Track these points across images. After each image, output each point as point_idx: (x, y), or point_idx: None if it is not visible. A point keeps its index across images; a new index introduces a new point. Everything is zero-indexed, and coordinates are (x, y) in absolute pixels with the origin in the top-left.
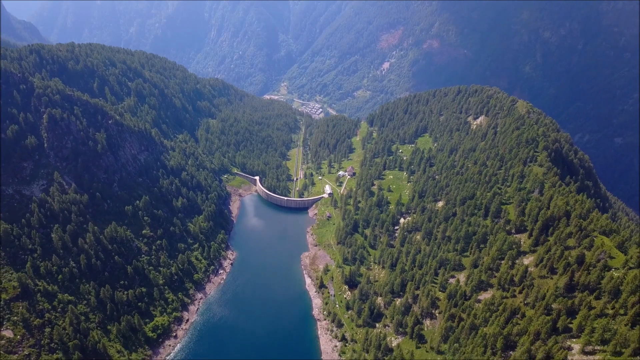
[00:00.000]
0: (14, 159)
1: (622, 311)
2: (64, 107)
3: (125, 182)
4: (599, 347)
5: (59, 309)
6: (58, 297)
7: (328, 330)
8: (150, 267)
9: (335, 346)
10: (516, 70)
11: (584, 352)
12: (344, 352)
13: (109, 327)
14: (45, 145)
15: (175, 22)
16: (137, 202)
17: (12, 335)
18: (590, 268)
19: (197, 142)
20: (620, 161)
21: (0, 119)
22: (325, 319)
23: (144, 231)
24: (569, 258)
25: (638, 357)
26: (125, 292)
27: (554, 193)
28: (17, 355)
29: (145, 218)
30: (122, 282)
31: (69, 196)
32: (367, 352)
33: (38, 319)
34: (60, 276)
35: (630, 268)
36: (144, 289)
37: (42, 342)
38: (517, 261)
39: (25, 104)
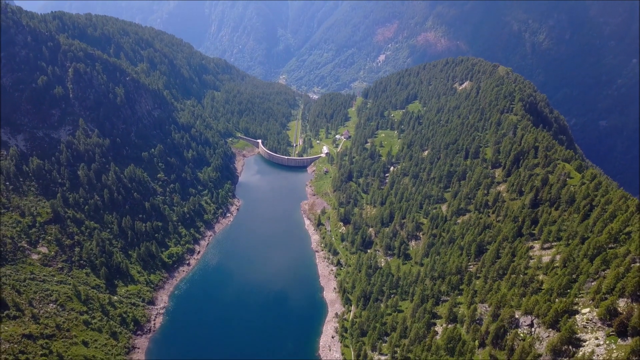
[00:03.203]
0: (44, 107)
1: (575, 215)
2: (86, 63)
3: (141, 133)
4: (555, 243)
5: (86, 234)
6: (85, 224)
7: (325, 258)
8: (165, 206)
9: (332, 270)
10: (506, 59)
11: (542, 248)
12: (338, 274)
13: (130, 252)
14: (71, 95)
15: (176, 18)
16: (153, 150)
17: (47, 252)
18: (552, 185)
19: (203, 109)
20: (605, 142)
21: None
22: (322, 250)
23: (158, 175)
24: (535, 181)
25: (584, 244)
26: (144, 224)
27: (525, 133)
28: (52, 267)
29: (160, 164)
30: (140, 215)
31: (92, 140)
32: (360, 271)
33: (69, 240)
34: (86, 207)
35: (583, 183)
36: (159, 223)
37: (73, 259)
38: (491, 189)
39: (53, 59)
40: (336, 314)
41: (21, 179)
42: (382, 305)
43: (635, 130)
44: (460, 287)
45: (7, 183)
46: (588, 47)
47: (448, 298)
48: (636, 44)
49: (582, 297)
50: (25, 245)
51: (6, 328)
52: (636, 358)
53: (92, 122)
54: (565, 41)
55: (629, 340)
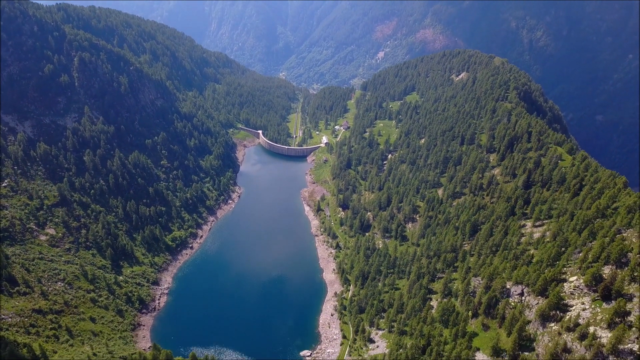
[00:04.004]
0: (50, 94)
1: (566, 195)
2: (91, 52)
3: (144, 121)
4: (546, 221)
5: (92, 217)
6: (91, 207)
7: (324, 242)
8: (168, 192)
9: (331, 252)
10: (504, 56)
11: (534, 226)
12: (337, 256)
13: (134, 235)
14: (76, 84)
15: (176, 16)
16: (156, 137)
17: (54, 233)
18: (544, 167)
19: (205, 100)
20: (601, 137)
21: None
22: (322, 234)
23: (162, 162)
24: (528, 163)
25: (572, 220)
26: (148, 209)
27: (519, 119)
28: (59, 248)
29: (163, 152)
30: (144, 200)
31: (97, 127)
32: (358, 253)
33: (75, 222)
34: (92, 191)
35: (574, 165)
36: (163, 208)
37: (80, 240)
38: (486, 173)
39: (58, 48)
40: (335, 293)
41: (29, 164)
42: (379, 284)
43: (631, 124)
44: (455, 264)
45: (15, 167)
46: (585, 43)
47: (443, 275)
48: (632, 39)
49: (570, 266)
50: (34, 226)
51: (17, 303)
52: (619, 319)
53: (97, 109)
54: (562, 37)
55: (613, 303)
